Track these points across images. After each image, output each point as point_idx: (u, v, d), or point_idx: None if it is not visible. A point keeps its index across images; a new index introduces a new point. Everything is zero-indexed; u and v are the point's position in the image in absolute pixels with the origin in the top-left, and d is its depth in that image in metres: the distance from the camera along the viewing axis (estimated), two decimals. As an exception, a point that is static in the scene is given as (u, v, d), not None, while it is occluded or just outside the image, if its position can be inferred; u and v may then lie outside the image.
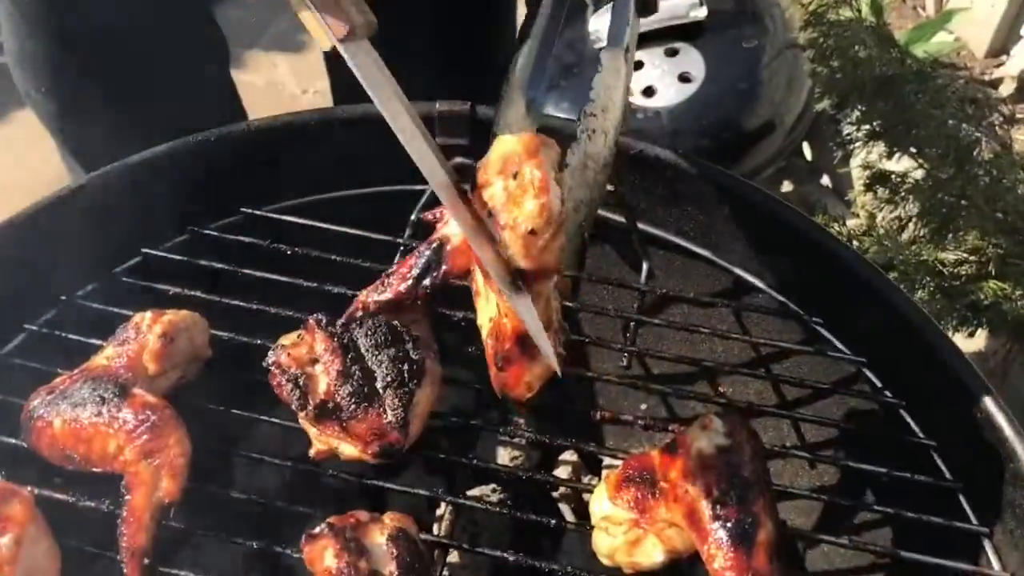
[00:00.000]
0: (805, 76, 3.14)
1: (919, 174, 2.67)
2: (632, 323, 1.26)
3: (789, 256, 1.25)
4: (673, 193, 1.30)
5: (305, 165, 1.35)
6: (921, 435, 1.13)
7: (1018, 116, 3.15)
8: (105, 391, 1.05)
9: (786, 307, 1.26)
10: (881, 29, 2.49)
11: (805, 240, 1.22)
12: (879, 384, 1.18)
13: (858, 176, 2.77)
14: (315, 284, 1.24)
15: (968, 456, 1.09)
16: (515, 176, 0.90)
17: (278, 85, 3.53)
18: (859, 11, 2.45)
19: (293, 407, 1.09)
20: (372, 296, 1.10)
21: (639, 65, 3.08)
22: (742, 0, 3.13)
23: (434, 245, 1.08)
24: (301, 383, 1.09)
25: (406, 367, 1.10)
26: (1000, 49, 3.79)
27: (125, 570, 1.00)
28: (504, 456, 1.41)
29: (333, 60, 2.18)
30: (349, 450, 1.08)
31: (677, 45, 2.86)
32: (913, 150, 2.63)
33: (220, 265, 1.27)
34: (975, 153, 2.53)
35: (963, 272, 2.17)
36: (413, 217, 1.30)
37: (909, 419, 1.15)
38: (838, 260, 1.19)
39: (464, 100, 1.34)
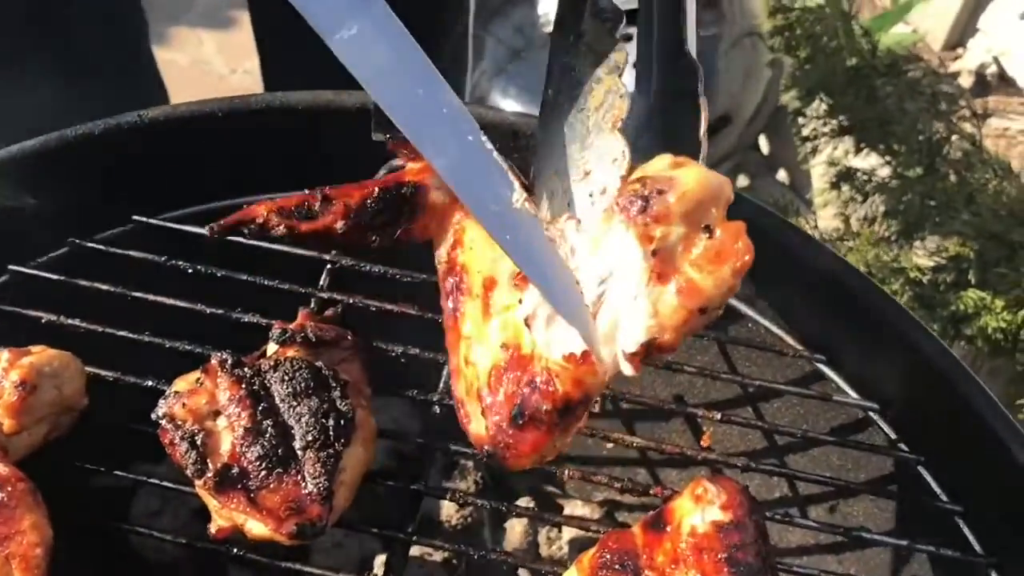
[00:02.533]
0: (764, 67, 2.98)
1: (886, 172, 2.55)
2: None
3: (786, 280, 1.06)
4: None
5: (209, 164, 1.12)
6: (944, 499, 0.96)
7: (985, 110, 3.04)
8: (-58, 458, 0.82)
9: (781, 340, 1.07)
10: (850, 18, 2.35)
11: (805, 263, 1.04)
12: (893, 435, 1.01)
13: (822, 173, 2.63)
14: (220, 311, 1.02)
15: (1003, 526, 0.92)
16: (708, 231, 0.70)
17: (204, 64, 3.27)
18: (830, -4, 2.30)
19: (188, 473, 0.88)
20: (284, 215, 0.86)
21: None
22: (700, -17, 2.97)
23: (408, 188, 0.86)
24: (199, 443, 0.88)
25: (331, 422, 0.89)
26: (956, 42, 3.69)
27: None
28: (449, 509, 1.21)
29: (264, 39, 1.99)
30: (258, 528, 0.87)
31: (629, 31, 2.69)
32: (881, 147, 2.51)
33: (105, 286, 1.04)
34: (944, 151, 2.42)
35: (942, 280, 2.03)
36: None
37: (929, 478, 0.97)
38: (846, 288, 1.01)
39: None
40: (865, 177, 2.52)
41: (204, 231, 1.02)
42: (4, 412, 0.86)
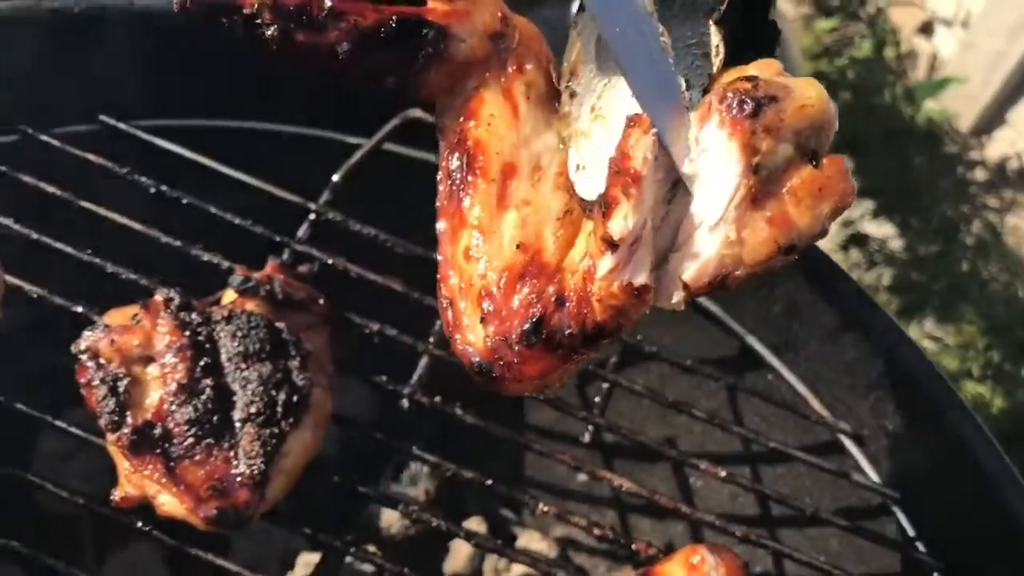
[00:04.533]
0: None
1: (898, 244, 2.47)
2: (606, 384, 0.93)
3: (827, 335, 0.93)
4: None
5: (209, 73, 0.97)
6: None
7: (1001, 204, 2.97)
8: None
9: (804, 401, 0.95)
10: (900, 76, 2.25)
11: (855, 322, 0.91)
12: (911, 531, 0.88)
13: (832, 233, 2.54)
14: (180, 244, 0.87)
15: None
16: (814, 159, 0.58)
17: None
18: (880, 44, 2.19)
19: (101, 423, 0.73)
20: (280, 14, 0.65)
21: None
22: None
23: (430, 30, 0.68)
24: (121, 390, 0.74)
25: (283, 396, 0.75)
26: (983, 129, 3.62)
27: None
28: (391, 515, 1.07)
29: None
30: (171, 505, 0.72)
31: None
32: (898, 217, 2.43)
33: (51, 188, 0.89)
34: (961, 236, 2.35)
35: (944, 364, 1.92)
36: (336, 178, 0.95)
37: (947, 591, 0.85)
38: (896, 359, 0.88)
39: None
40: (877, 246, 2.44)
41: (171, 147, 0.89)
42: None
